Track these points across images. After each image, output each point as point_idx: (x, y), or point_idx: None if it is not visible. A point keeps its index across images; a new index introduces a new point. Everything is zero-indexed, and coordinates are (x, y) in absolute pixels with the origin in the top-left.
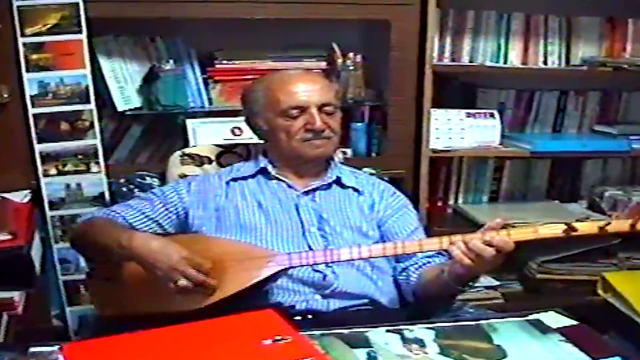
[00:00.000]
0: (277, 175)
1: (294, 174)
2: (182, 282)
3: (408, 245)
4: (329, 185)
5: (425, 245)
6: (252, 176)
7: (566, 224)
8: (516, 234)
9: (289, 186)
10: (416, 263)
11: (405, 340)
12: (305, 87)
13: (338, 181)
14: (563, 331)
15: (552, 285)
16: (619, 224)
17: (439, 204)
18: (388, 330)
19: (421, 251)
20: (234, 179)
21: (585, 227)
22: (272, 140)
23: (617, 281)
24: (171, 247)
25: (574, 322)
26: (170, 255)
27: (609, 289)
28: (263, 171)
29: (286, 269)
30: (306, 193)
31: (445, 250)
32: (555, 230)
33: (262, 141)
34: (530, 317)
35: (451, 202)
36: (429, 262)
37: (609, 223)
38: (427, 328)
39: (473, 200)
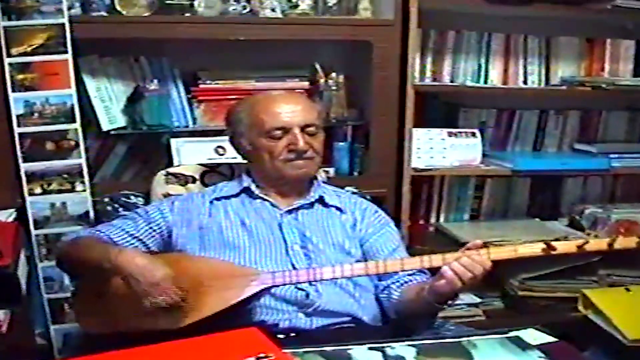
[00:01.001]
0: (260, 195)
1: (277, 194)
2: (157, 300)
3: (390, 264)
4: (311, 204)
5: (407, 264)
6: (236, 195)
7: (545, 242)
8: (496, 253)
9: (272, 205)
10: (398, 281)
11: (386, 357)
12: (288, 108)
13: (321, 200)
14: (542, 348)
15: (533, 302)
16: (597, 243)
17: (421, 222)
18: (370, 348)
19: (403, 270)
20: (218, 199)
21: (564, 246)
22: (256, 160)
23: (597, 298)
24: (157, 266)
25: (553, 339)
26: (154, 273)
27: (589, 305)
28: (246, 190)
29: (269, 288)
30: (289, 212)
31: (429, 269)
32: (535, 249)
33: (245, 161)
34: (510, 334)
35: (433, 220)
36: (410, 281)
37: (587, 242)
38: (409, 345)
39: (454, 218)
